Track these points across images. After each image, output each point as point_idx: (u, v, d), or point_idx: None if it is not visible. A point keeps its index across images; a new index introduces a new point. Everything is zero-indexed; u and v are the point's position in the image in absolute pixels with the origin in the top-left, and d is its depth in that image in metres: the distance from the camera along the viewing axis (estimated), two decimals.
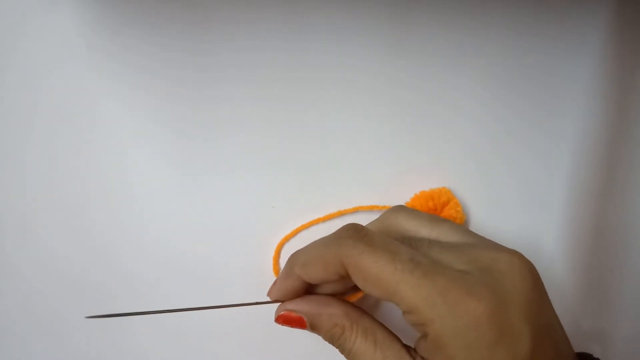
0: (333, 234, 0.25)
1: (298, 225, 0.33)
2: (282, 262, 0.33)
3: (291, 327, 0.26)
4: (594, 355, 0.24)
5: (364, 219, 0.30)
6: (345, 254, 0.23)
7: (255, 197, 0.33)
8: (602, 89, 0.34)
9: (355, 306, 0.26)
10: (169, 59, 0.33)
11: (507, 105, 0.34)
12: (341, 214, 0.33)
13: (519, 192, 0.35)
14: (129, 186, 0.33)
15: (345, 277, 0.24)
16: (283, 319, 0.26)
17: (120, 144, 0.33)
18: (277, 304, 0.27)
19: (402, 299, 0.21)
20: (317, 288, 0.27)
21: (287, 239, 0.33)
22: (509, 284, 0.21)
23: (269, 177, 0.33)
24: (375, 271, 0.22)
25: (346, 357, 0.25)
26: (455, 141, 0.34)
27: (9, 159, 0.33)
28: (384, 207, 0.33)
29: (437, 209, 0.33)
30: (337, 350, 0.25)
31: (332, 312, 0.25)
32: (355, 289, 0.26)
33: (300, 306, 0.26)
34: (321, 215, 0.33)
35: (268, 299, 0.28)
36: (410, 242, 0.24)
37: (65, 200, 0.33)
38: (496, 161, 0.35)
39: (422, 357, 0.22)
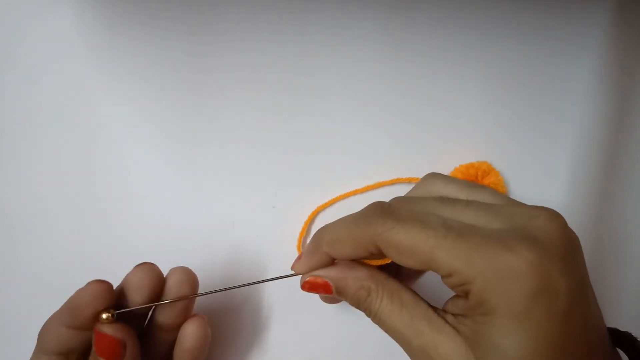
0: (359, 212, 0.25)
1: (300, 230, 0.33)
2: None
3: (317, 293, 0.26)
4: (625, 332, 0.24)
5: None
6: (376, 232, 0.23)
7: (255, 197, 0.33)
8: (602, 89, 0.34)
9: (379, 270, 0.25)
10: (168, 59, 0.33)
11: (507, 106, 0.34)
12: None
13: (520, 191, 0.35)
14: (130, 186, 0.33)
15: (375, 254, 0.24)
16: (309, 285, 0.26)
17: (121, 145, 0.33)
18: (299, 276, 0.27)
19: (439, 265, 0.21)
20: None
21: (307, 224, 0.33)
22: (547, 238, 0.21)
23: (269, 177, 0.33)
24: (407, 243, 0.22)
25: (372, 320, 0.25)
26: (454, 141, 0.34)
27: (9, 159, 0.33)
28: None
29: (478, 177, 0.33)
30: (364, 313, 0.25)
31: (357, 275, 0.25)
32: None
33: (326, 272, 0.26)
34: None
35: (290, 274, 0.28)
36: (447, 201, 0.24)
37: (65, 200, 0.33)
38: (496, 161, 0.35)
39: (453, 315, 0.22)
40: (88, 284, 0.26)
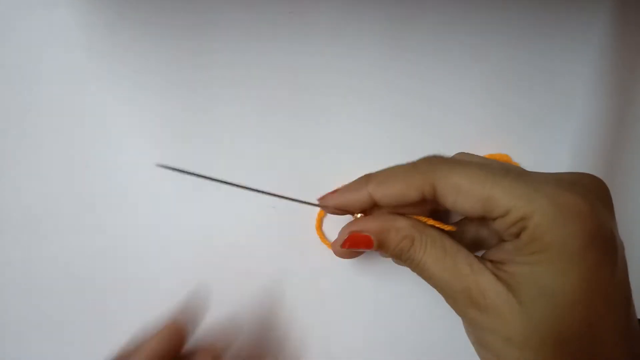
0: (416, 160, 0.25)
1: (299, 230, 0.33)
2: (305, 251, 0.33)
3: (358, 248, 0.25)
4: None
5: None
6: (435, 169, 0.23)
7: (255, 197, 0.33)
8: (602, 88, 0.34)
9: (417, 219, 0.25)
10: (169, 59, 0.33)
11: (507, 106, 0.34)
12: None
13: None
14: (130, 186, 0.33)
15: (426, 198, 0.24)
16: (350, 242, 0.25)
17: (120, 144, 0.33)
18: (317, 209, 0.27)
19: (497, 202, 0.21)
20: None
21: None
22: (601, 193, 0.22)
23: (269, 177, 0.33)
24: (467, 181, 0.22)
25: (414, 269, 0.24)
26: (453, 143, 0.34)
27: (8, 159, 0.33)
28: None
29: None
30: (405, 265, 0.25)
31: (399, 225, 0.24)
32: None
33: (366, 225, 0.25)
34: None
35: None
36: None
37: (65, 200, 0.33)
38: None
39: (491, 262, 0.23)
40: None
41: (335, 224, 0.33)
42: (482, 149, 0.34)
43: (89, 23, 0.33)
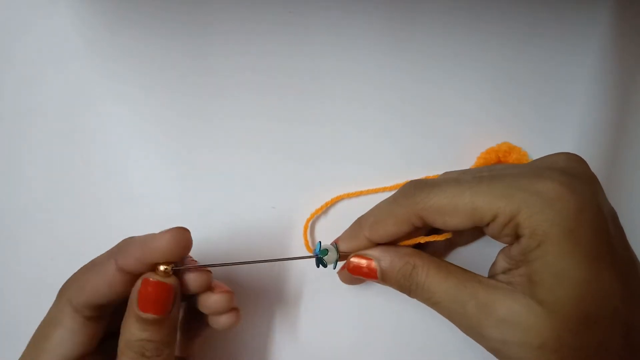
0: (395, 193, 0.25)
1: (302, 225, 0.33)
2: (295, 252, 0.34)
3: (360, 275, 0.26)
4: None
5: None
6: (415, 202, 0.23)
7: (255, 197, 0.33)
8: (602, 89, 0.34)
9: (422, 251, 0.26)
10: (168, 59, 0.33)
11: (507, 107, 0.34)
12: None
13: None
14: (129, 186, 0.33)
15: (417, 227, 0.24)
16: (354, 265, 0.26)
17: (120, 145, 0.33)
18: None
19: (483, 210, 0.22)
20: None
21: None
22: (574, 170, 0.22)
23: (268, 177, 0.33)
24: (447, 200, 0.22)
25: (419, 295, 0.24)
26: (452, 143, 0.34)
27: (9, 159, 0.33)
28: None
29: (500, 158, 0.33)
30: (412, 295, 0.25)
31: (401, 252, 0.25)
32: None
33: (369, 250, 0.26)
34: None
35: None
36: (472, 169, 0.25)
37: (65, 201, 0.33)
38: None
39: (501, 273, 0.23)
40: (174, 230, 0.22)
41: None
42: (482, 148, 0.34)
43: (89, 23, 0.33)
